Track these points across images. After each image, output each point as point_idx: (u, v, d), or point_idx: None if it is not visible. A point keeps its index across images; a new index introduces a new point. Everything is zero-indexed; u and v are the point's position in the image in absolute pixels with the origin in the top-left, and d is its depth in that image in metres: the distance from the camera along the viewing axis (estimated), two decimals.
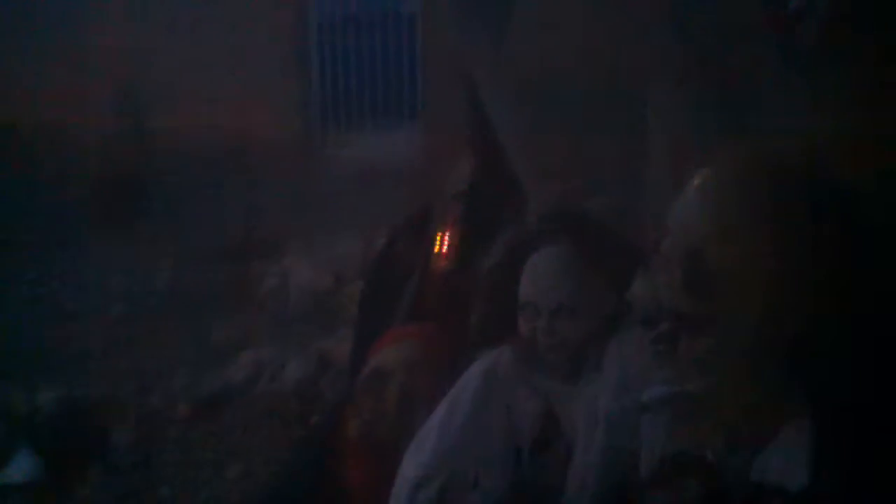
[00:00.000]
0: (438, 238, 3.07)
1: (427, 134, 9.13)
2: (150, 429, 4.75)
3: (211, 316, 6.18)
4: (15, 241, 7.76)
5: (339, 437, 2.66)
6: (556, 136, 2.74)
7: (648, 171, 2.46)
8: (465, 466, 2.18)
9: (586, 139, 2.66)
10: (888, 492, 1.38)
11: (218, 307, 6.32)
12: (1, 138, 9.73)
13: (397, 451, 2.35)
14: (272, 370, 5.02)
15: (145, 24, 10.37)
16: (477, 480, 2.17)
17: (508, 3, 2.82)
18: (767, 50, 2.17)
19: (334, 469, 2.64)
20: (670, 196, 1.62)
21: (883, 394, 1.41)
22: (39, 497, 4.25)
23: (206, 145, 9.66)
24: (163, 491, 4.22)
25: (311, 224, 7.72)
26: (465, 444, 2.21)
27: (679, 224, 1.55)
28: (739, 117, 2.23)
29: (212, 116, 9.93)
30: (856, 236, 1.46)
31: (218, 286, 6.64)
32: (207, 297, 6.48)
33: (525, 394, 2.25)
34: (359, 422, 2.60)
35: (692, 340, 1.49)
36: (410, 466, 2.24)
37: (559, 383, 2.21)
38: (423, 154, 8.88)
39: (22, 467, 4.37)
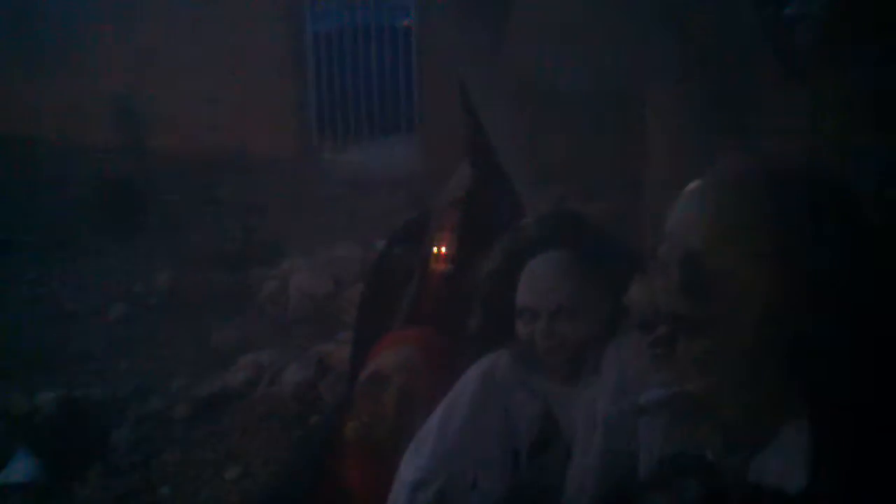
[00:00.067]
0: (436, 243, 3.08)
1: (424, 142, 9.13)
2: (149, 429, 4.76)
3: (210, 318, 6.19)
4: (15, 242, 7.77)
5: (338, 439, 2.67)
6: (554, 139, 2.74)
7: (647, 174, 2.47)
8: (463, 469, 2.19)
9: (584, 142, 2.66)
10: (887, 493, 1.38)
11: (217, 310, 6.32)
12: (3, 146, 9.74)
13: (396, 453, 2.36)
14: (272, 373, 5.02)
15: (143, 33, 10.40)
16: (475, 483, 2.17)
17: (506, 5, 2.83)
18: (767, 51, 2.18)
19: (333, 471, 2.65)
20: (669, 199, 1.63)
21: (882, 395, 1.41)
22: (39, 497, 4.25)
23: (204, 151, 9.68)
24: (162, 491, 4.22)
25: (310, 228, 7.73)
26: (463, 447, 2.21)
27: (677, 226, 1.55)
28: (739, 118, 2.23)
29: (210, 124, 9.96)
30: (855, 237, 1.47)
31: (218, 289, 6.65)
32: (207, 300, 6.49)
33: (523, 396, 2.25)
34: (357, 424, 2.60)
35: (690, 343, 1.49)
36: (409, 469, 2.24)
37: (557, 386, 2.22)
38: (420, 162, 8.89)
39: (21, 468, 4.37)
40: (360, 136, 10.18)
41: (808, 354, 1.41)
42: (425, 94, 9.39)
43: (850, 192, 1.53)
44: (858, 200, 1.53)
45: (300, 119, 10.34)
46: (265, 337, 5.87)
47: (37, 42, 10.97)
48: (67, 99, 10.72)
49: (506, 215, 2.83)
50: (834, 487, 1.37)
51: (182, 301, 6.60)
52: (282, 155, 9.91)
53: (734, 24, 2.26)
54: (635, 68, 2.48)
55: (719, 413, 1.52)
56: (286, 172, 9.45)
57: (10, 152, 9.93)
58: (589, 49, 2.58)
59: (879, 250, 1.49)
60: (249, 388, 5.02)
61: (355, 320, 3.41)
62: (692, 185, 1.57)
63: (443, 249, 3.06)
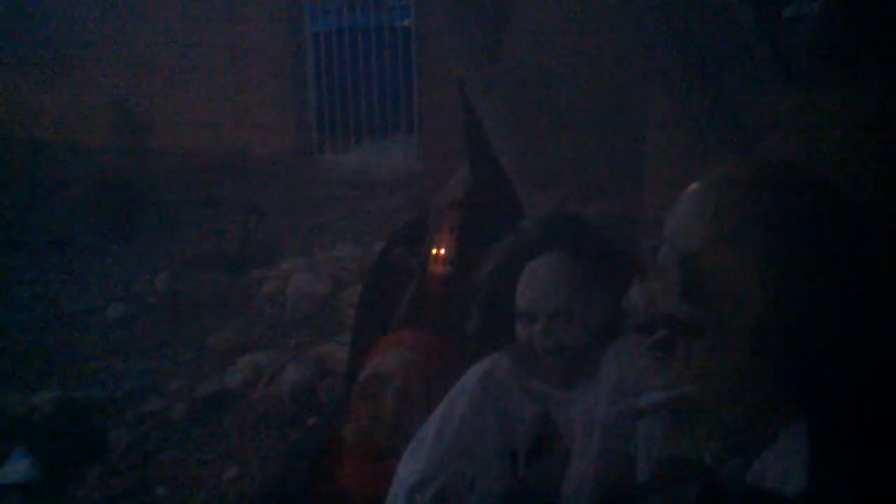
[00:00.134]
0: (436, 244, 3.08)
1: (423, 143, 9.14)
2: (147, 430, 4.75)
3: (209, 319, 6.19)
4: (14, 242, 7.76)
5: (336, 440, 2.67)
6: (553, 140, 2.74)
7: (647, 175, 2.47)
8: (461, 470, 2.19)
9: (584, 144, 2.66)
10: (887, 496, 1.38)
11: (216, 310, 6.33)
12: (2, 146, 9.74)
13: (394, 454, 2.36)
14: (270, 374, 5.02)
15: (143, 34, 10.41)
16: (473, 484, 2.18)
17: (506, 7, 2.83)
18: (765, 52, 2.17)
19: (331, 472, 2.65)
20: (668, 201, 1.63)
21: (881, 399, 1.41)
22: (36, 497, 4.25)
23: (204, 152, 9.69)
24: (160, 491, 4.22)
25: (309, 228, 7.74)
26: (461, 448, 2.22)
27: (676, 228, 1.55)
28: (739, 119, 2.23)
29: (209, 125, 9.97)
30: (854, 238, 1.47)
31: (216, 290, 6.65)
32: (206, 300, 6.49)
33: (521, 398, 2.26)
34: (356, 426, 2.61)
35: (689, 346, 1.49)
36: (407, 470, 2.25)
37: (556, 388, 2.22)
38: (420, 162, 8.90)
39: (18, 468, 4.37)
40: (359, 136, 10.18)
41: (807, 357, 1.41)
42: (425, 95, 9.38)
43: (848, 193, 1.53)
44: (858, 202, 1.53)
45: (299, 119, 10.34)
46: (263, 338, 5.87)
47: (37, 43, 10.97)
48: (67, 99, 10.72)
49: (505, 217, 2.83)
50: (833, 490, 1.37)
51: (181, 301, 6.60)
52: (281, 155, 9.91)
53: (734, 25, 2.26)
54: (635, 70, 2.48)
55: (718, 416, 1.51)
56: (285, 173, 9.46)
57: (10, 152, 9.93)
58: (589, 50, 2.58)
59: (878, 252, 1.49)
60: (247, 389, 5.02)
61: (354, 321, 3.42)
62: (692, 187, 1.57)
63: (442, 250, 3.06)
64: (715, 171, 1.59)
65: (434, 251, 3.09)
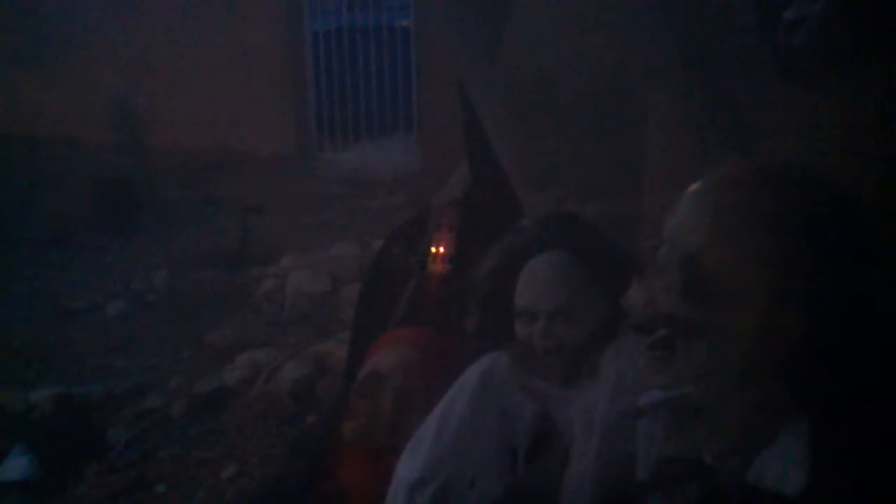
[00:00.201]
0: (435, 243, 3.09)
1: (422, 142, 9.14)
2: (146, 427, 4.76)
3: (208, 316, 6.19)
4: (13, 239, 7.76)
5: (336, 438, 2.67)
6: (552, 140, 2.74)
7: (646, 175, 2.47)
8: (461, 469, 2.19)
9: (583, 144, 2.66)
10: (886, 496, 1.38)
11: (215, 308, 6.33)
12: (2, 143, 9.74)
13: (393, 453, 2.36)
14: (269, 371, 5.02)
15: (143, 32, 10.41)
16: (473, 483, 2.18)
17: (505, 5, 2.83)
18: (766, 53, 2.18)
19: (330, 470, 2.65)
20: (668, 202, 1.63)
21: (881, 399, 1.42)
22: (35, 495, 4.25)
23: (203, 150, 9.69)
24: (158, 489, 4.22)
25: (308, 227, 7.74)
26: (461, 447, 2.21)
27: (677, 228, 1.55)
28: (739, 120, 2.23)
29: (209, 123, 9.97)
30: (854, 238, 1.47)
31: (215, 287, 6.65)
32: (205, 298, 6.49)
33: (521, 397, 2.26)
34: (355, 424, 2.61)
35: (689, 345, 1.50)
36: (407, 468, 2.24)
37: (556, 387, 2.22)
38: (419, 161, 8.90)
39: (17, 465, 4.37)
40: (358, 135, 10.18)
41: (807, 357, 1.41)
42: (424, 95, 9.39)
43: (849, 193, 1.54)
44: (858, 202, 1.53)
45: (299, 118, 10.34)
46: (262, 335, 5.87)
47: (37, 41, 10.97)
48: (67, 98, 10.72)
49: (504, 216, 2.83)
50: (833, 490, 1.37)
51: (180, 299, 6.60)
52: (280, 154, 9.91)
53: (734, 25, 2.26)
54: (635, 69, 2.48)
55: (717, 415, 1.51)
56: (284, 171, 9.46)
57: (9, 150, 9.93)
58: (589, 49, 2.58)
59: (878, 251, 1.49)
60: (246, 387, 5.02)
61: (353, 319, 3.41)
62: (692, 188, 1.58)
63: (441, 249, 3.07)
64: (715, 172, 1.60)
65: (433, 250, 3.10)
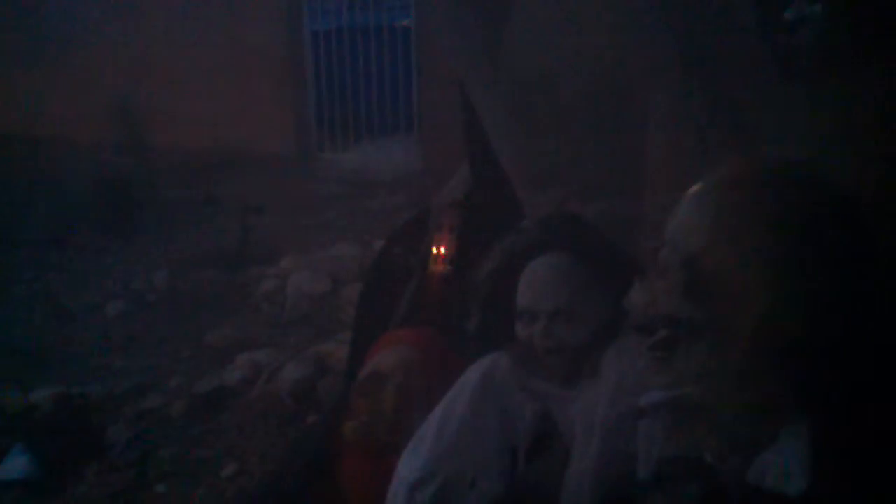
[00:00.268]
0: (436, 243, 3.09)
1: (423, 142, 9.14)
2: (146, 427, 4.76)
3: (208, 316, 6.20)
4: (13, 239, 7.76)
5: (336, 438, 2.67)
6: (553, 141, 2.74)
7: (647, 176, 2.47)
8: (462, 468, 2.19)
9: (584, 144, 2.66)
10: (887, 495, 1.38)
11: (215, 308, 6.33)
12: (2, 144, 9.74)
13: (394, 452, 2.36)
14: (269, 371, 5.03)
15: (142, 32, 10.41)
16: (474, 482, 2.18)
17: (505, 7, 2.83)
18: (766, 53, 2.18)
19: (331, 470, 2.65)
20: (668, 202, 1.63)
21: (881, 398, 1.42)
22: (35, 494, 4.25)
23: (203, 150, 9.69)
24: (158, 489, 4.22)
25: (308, 227, 7.74)
26: (462, 447, 2.22)
27: (678, 229, 1.56)
28: (739, 120, 2.24)
29: (209, 123, 9.97)
30: (855, 238, 1.48)
31: (215, 287, 6.66)
32: (205, 298, 6.50)
33: (522, 397, 2.25)
34: (356, 424, 2.61)
35: (690, 346, 1.50)
36: (407, 468, 2.24)
37: (556, 387, 2.22)
38: (419, 162, 8.91)
39: (17, 464, 4.38)
40: (358, 135, 10.19)
41: (808, 357, 1.42)
42: (424, 95, 9.39)
43: (849, 193, 1.54)
44: (858, 202, 1.54)
45: (299, 118, 10.34)
46: (262, 336, 5.87)
47: (37, 41, 10.97)
48: (67, 98, 10.72)
49: (505, 216, 2.83)
50: (834, 490, 1.37)
51: (180, 299, 6.61)
52: (280, 154, 9.91)
53: (734, 25, 2.26)
54: (636, 70, 2.48)
55: (719, 416, 1.51)
56: (285, 171, 9.46)
57: (9, 150, 9.93)
58: (589, 50, 2.58)
59: (879, 251, 1.50)
60: (246, 387, 5.02)
61: (354, 320, 3.42)
62: (693, 188, 1.58)
63: (442, 250, 3.07)
64: (716, 172, 1.60)
65: (434, 250, 3.10)
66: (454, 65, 3.20)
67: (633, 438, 1.83)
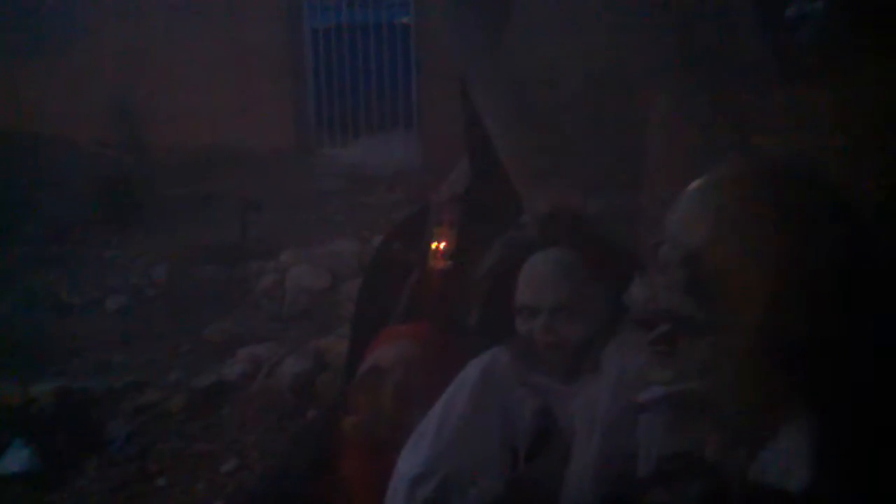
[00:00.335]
0: (435, 239, 3.09)
1: (422, 139, 9.14)
2: (146, 421, 4.76)
3: (207, 311, 6.20)
4: (13, 235, 7.76)
5: (336, 434, 2.67)
6: (553, 136, 2.74)
7: (647, 172, 2.47)
8: (462, 464, 2.18)
9: (584, 139, 2.66)
10: (889, 493, 1.39)
11: (214, 303, 6.33)
12: (2, 141, 9.74)
13: (394, 448, 2.36)
14: (268, 366, 5.03)
15: (142, 29, 10.40)
16: (474, 478, 2.18)
17: (505, 4, 2.83)
18: (767, 50, 2.18)
19: (331, 466, 2.65)
20: (669, 197, 1.64)
21: (883, 395, 1.42)
22: (35, 488, 4.26)
23: (203, 146, 9.68)
24: (158, 483, 4.23)
25: (307, 223, 7.74)
26: (462, 442, 2.21)
27: (679, 225, 1.56)
28: (739, 118, 2.24)
29: (209, 119, 9.96)
30: (854, 236, 1.48)
31: (214, 283, 6.66)
32: (204, 293, 6.50)
33: (523, 393, 2.25)
34: (356, 419, 2.61)
35: (691, 341, 1.50)
36: (408, 464, 2.24)
37: (557, 383, 2.22)
38: (419, 158, 8.90)
39: (17, 458, 4.38)
40: (358, 131, 10.18)
41: (808, 353, 1.42)
42: (424, 91, 9.39)
43: (849, 192, 1.54)
44: (859, 199, 1.54)
45: (298, 114, 10.33)
46: (262, 330, 5.87)
47: (37, 38, 10.95)
48: (67, 94, 10.71)
49: (505, 212, 2.83)
50: (836, 486, 1.38)
51: (179, 294, 6.61)
52: (280, 150, 9.90)
53: (734, 23, 2.26)
54: (636, 67, 2.48)
55: (720, 411, 1.52)
56: (284, 167, 9.45)
57: (9, 147, 9.92)
58: (589, 46, 2.58)
59: (879, 249, 1.50)
60: (246, 381, 5.02)
61: (353, 315, 3.41)
62: (694, 185, 1.58)
63: (442, 245, 3.07)
64: (717, 169, 1.60)
65: (434, 246, 3.10)
66: (455, 61, 3.20)
67: (634, 434, 1.83)
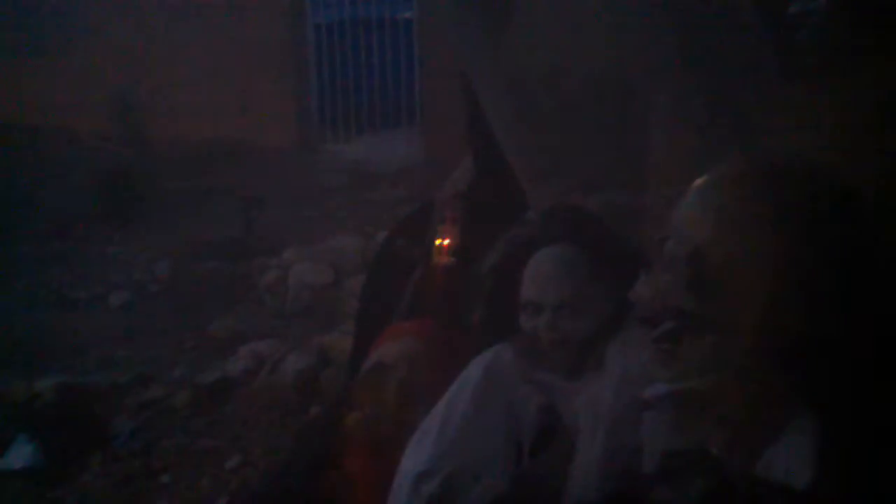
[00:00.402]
0: (439, 236, 3.09)
1: (425, 135, 9.13)
2: (149, 417, 4.77)
3: (210, 307, 6.20)
4: (15, 230, 7.76)
5: (340, 431, 2.67)
6: (556, 133, 2.75)
7: (651, 169, 2.47)
8: (466, 461, 2.18)
9: (588, 136, 2.67)
10: (889, 492, 1.39)
11: (217, 299, 6.34)
12: (4, 135, 9.74)
13: (398, 445, 2.36)
14: (272, 363, 5.03)
15: (145, 24, 10.40)
16: (478, 475, 2.18)
17: (508, 4, 2.83)
18: (768, 49, 2.18)
19: (334, 462, 2.65)
20: (672, 194, 1.64)
21: (885, 393, 1.42)
22: (38, 483, 4.27)
23: (205, 141, 9.69)
24: (162, 479, 4.23)
25: (310, 219, 7.74)
26: (466, 439, 2.21)
27: (683, 222, 1.56)
28: (740, 116, 2.24)
29: (211, 115, 9.96)
30: (857, 235, 1.48)
31: (218, 278, 6.66)
32: (207, 289, 6.50)
33: (527, 390, 2.25)
34: (359, 416, 2.61)
35: (695, 339, 1.50)
36: (411, 461, 2.24)
37: (561, 380, 2.22)
38: (422, 154, 8.90)
39: (21, 454, 4.39)
40: (361, 127, 10.18)
41: (812, 351, 1.42)
42: (427, 87, 9.38)
43: (852, 189, 1.55)
44: (861, 198, 1.54)
45: (301, 110, 10.33)
46: (265, 327, 5.88)
47: (38, 33, 10.96)
48: (69, 89, 10.71)
49: (509, 208, 2.83)
50: (840, 484, 1.38)
51: (182, 290, 6.62)
52: (283, 146, 9.91)
53: (735, 22, 2.26)
54: (636, 67, 2.48)
55: (724, 409, 1.52)
56: (287, 163, 9.46)
57: (11, 141, 9.93)
58: (592, 44, 2.58)
59: (881, 246, 1.50)
60: (249, 378, 5.03)
61: (357, 312, 3.42)
62: (698, 182, 1.58)
63: (445, 242, 3.06)
64: (720, 167, 1.60)
65: (437, 242, 3.10)
66: (458, 58, 3.20)
67: (639, 431, 1.83)
